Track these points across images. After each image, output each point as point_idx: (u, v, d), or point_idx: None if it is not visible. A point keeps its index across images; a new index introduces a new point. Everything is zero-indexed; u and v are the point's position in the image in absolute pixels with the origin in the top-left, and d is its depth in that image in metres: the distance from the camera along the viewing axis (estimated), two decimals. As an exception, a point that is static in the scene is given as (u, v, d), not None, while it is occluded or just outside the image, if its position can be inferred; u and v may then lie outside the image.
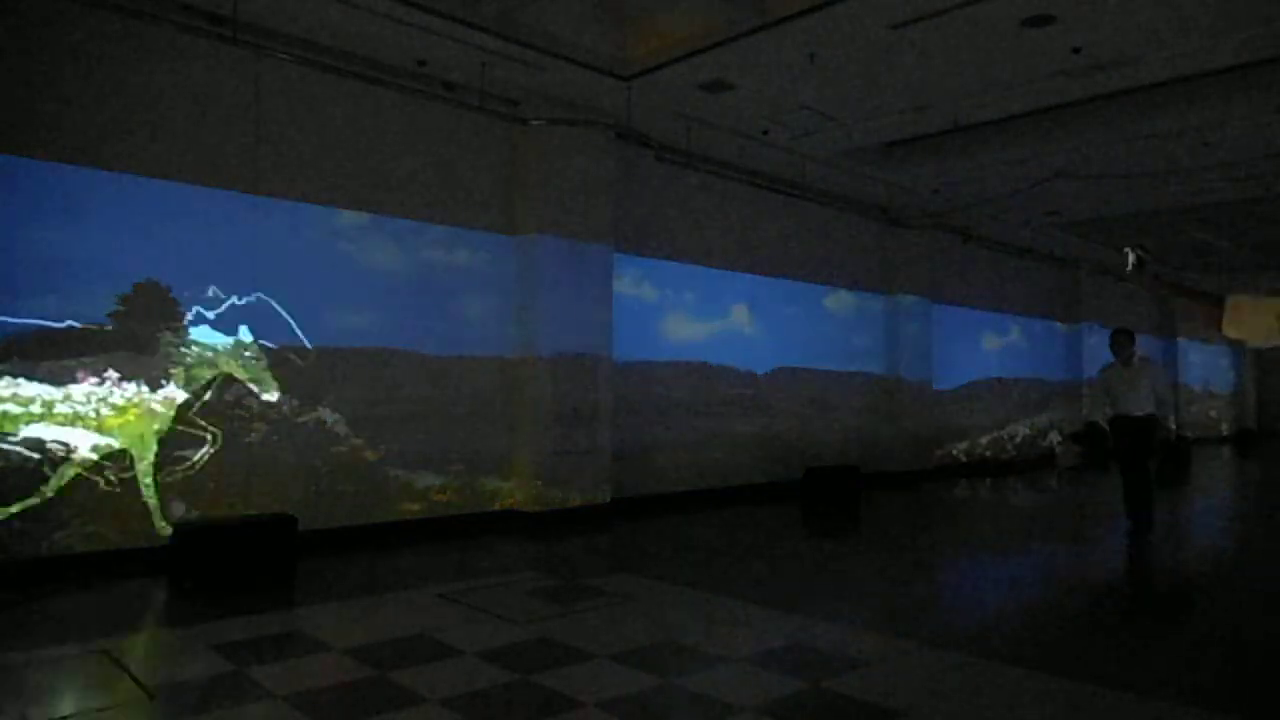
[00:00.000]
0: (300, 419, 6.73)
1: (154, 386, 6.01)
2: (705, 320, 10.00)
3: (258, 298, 6.55)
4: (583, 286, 8.25)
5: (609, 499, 8.44)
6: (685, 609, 5.12)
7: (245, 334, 6.46)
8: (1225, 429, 24.43)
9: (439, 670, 3.88)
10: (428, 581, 5.73)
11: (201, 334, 6.26)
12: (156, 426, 5.98)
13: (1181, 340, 21.49)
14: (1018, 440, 15.57)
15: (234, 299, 6.43)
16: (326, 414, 6.88)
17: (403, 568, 6.22)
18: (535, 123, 7.96)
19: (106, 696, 3.47)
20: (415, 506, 7.35)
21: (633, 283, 9.14)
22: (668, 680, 3.79)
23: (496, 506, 7.91)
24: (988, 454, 14.66)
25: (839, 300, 11.96)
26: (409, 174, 7.44)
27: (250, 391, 6.46)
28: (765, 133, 9.19)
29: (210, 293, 6.32)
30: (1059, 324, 17.04)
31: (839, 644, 4.39)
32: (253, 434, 6.47)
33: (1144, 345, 20.25)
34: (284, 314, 6.67)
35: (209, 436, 6.21)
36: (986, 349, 15.00)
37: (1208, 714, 3.43)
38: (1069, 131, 8.97)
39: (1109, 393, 7.83)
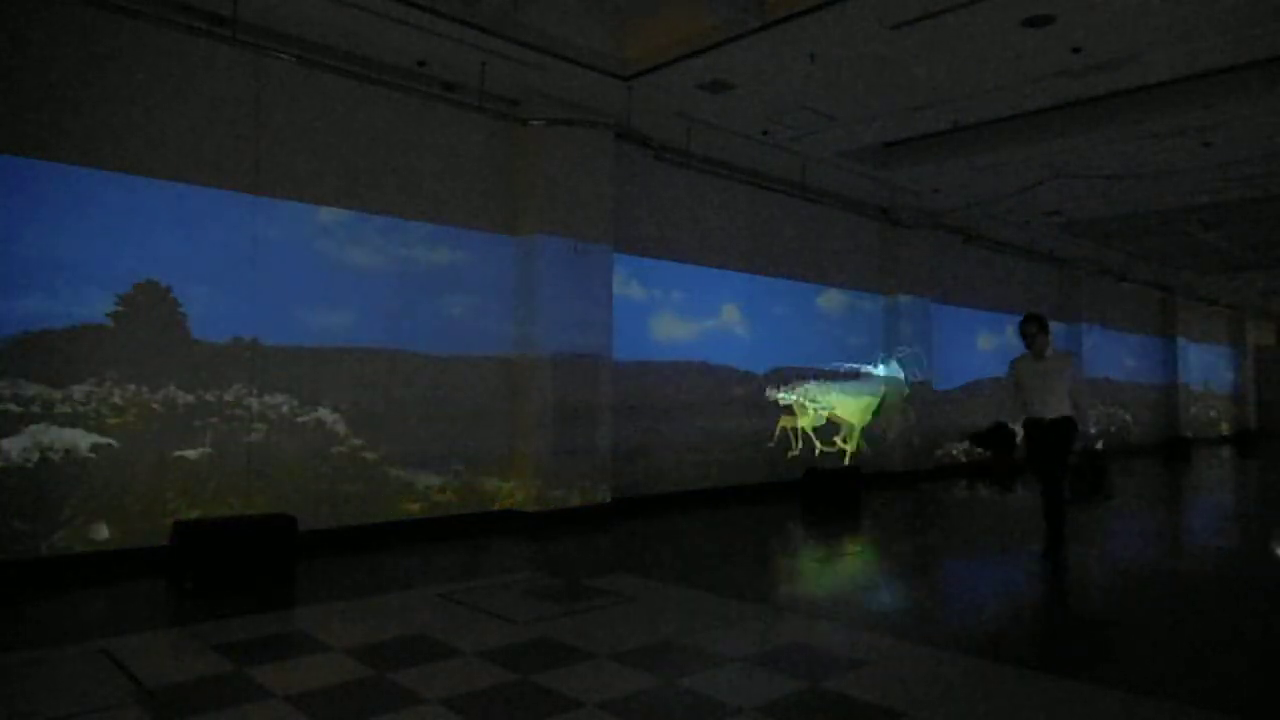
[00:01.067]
0: (300, 419, 6.73)
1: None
2: (704, 320, 10.00)
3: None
4: (582, 286, 8.25)
5: (609, 499, 8.44)
6: (685, 609, 5.12)
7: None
8: (1225, 429, 24.45)
9: (439, 670, 3.88)
10: (428, 581, 5.73)
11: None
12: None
13: (1181, 340, 21.51)
14: (1017, 440, 15.55)
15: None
16: (326, 414, 6.88)
17: (403, 568, 6.22)
18: (535, 123, 7.96)
19: (106, 696, 3.47)
20: (415, 506, 7.35)
21: (632, 283, 9.13)
22: (668, 680, 3.79)
23: (496, 506, 7.91)
24: (988, 454, 14.63)
25: (839, 300, 11.96)
26: (409, 174, 7.44)
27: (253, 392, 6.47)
28: (765, 133, 9.19)
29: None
30: (1059, 324, 17.05)
31: (839, 644, 4.39)
32: (252, 434, 6.47)
33: (1144, 345, 20.55)
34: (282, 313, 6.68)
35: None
36: (986, 349, 15.00)
37: (1208, 714, 3.43)
38: (1069, 131, 8.98)
39: (1019, 390, 6.66)
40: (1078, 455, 6.69)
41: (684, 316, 9.78)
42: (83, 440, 5.68)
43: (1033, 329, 6.60)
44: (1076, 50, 7.02)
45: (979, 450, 9.52)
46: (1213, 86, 7.93)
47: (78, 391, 5.70)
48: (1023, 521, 9.21)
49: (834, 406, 11.68)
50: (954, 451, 13.86)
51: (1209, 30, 6.69)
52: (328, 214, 6.96)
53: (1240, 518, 9.70)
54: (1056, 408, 6.41)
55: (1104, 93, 8.23)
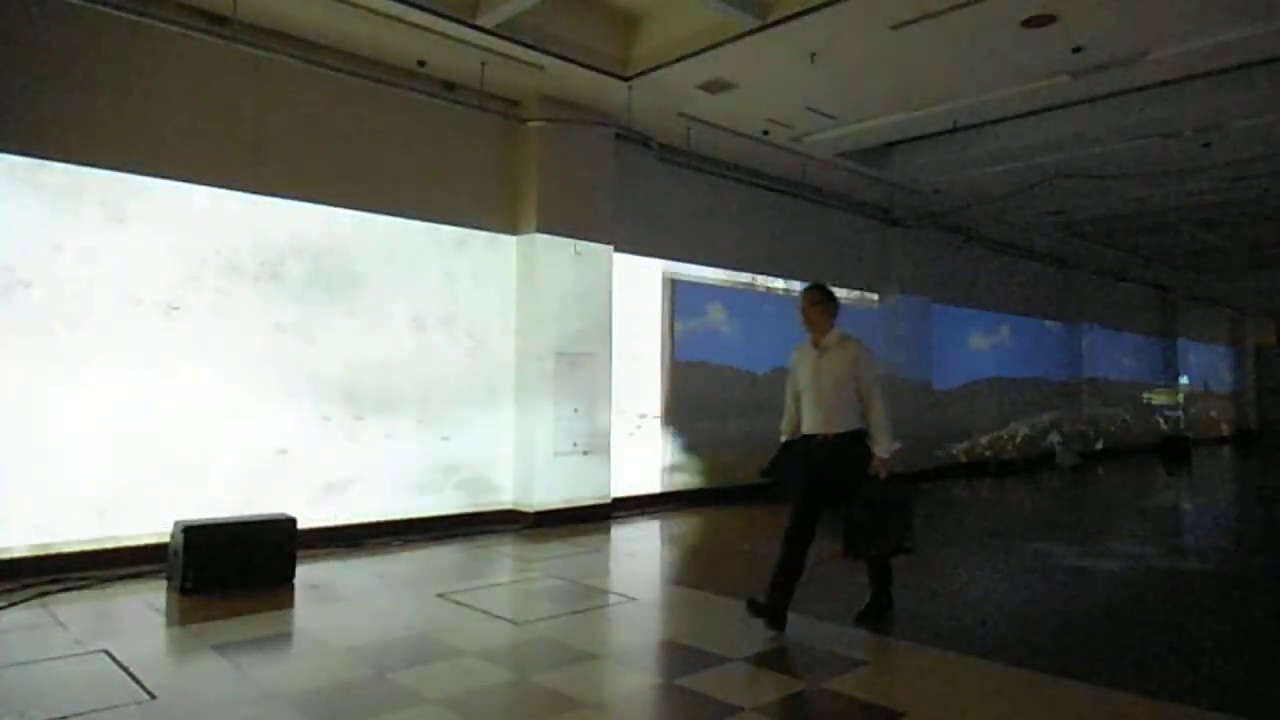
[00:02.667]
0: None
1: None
2: (702, 320, 10.00)
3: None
4: (583, 286, 8.25)
5: (610, 498, 8.44)
6: (685, 608, 5.12)
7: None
8: (1225, 429, 24.46)
9: (439, 670, 3.88)
10: (428, 581, 5.73)
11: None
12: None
13: (1181, 340, 21.51)
14: (1017, 440, 15.58)
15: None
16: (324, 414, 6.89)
17: (403, 568, 6.21)
18: (535, 123, 7.96)
19: (106, 696, 3.47)
20: (416, 505, 7.35)
21: (634, 282, 9.13)
22: (668, 680, 3.79)
23: (497, 506, 7.91)
24: (988, 454, 14.66)
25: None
26: (409, 174, 7.44)
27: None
28: (765, 133, 9.19)
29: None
30: (1059, 324, 17.06)
31: (839, 644, 4.39)
32: (253, 434, 6.46)
33: (1145, 345, 20.50)
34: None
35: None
36: (986, 349, 15.01)
37: (1208, 713, 3.43)
38: (1069, 131, 8.98)
39: (793, 393, 4.80)
40: (876, 490, 4.45)
41: (688, 316, 9.77)
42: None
43: (814, 312, 4.68)
44: (1077, 50, 7.02)
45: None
46: (1213, 86, 7.93)
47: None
48: (1018, 522, 9.18)
49: None
50: (954, 451, 13.86)
51: (1209, 30, 6.69)
52: (328, 214, 6.95)
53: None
54: (839, 418, 4.52)
55: (1104, 93, 8.23)
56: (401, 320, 7.36)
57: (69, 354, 5.70)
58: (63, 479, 5.66)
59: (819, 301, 4.68)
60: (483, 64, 7.18)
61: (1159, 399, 20.41)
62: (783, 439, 4.80)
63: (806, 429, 4.64)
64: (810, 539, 4.54)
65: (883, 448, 4.46)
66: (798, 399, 4.73)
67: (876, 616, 4.75)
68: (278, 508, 6.44)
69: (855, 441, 4.55)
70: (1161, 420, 20.48)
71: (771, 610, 4.49)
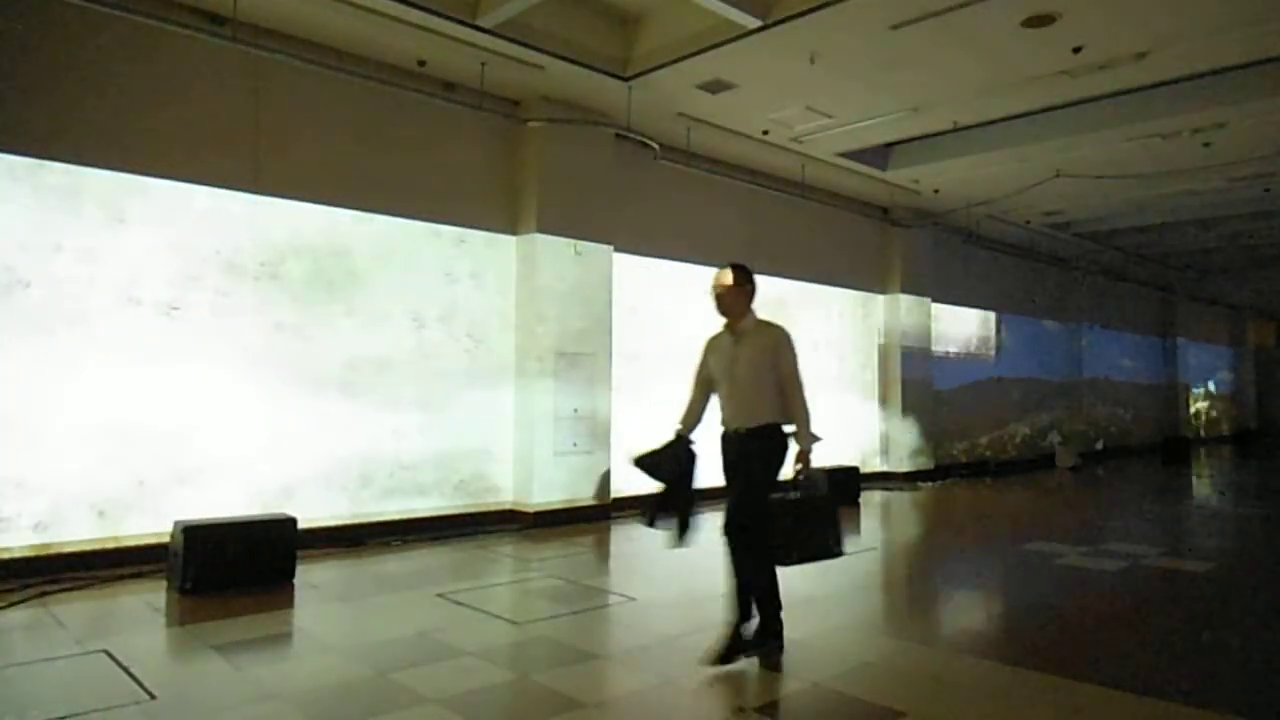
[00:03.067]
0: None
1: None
2: (700, 320, 9.99)
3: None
4: (583, 286, 8.25)
5: (610, 498, 8.44)
6: (685, 608, 5.12)
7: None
8: (1226, 429, 24.47)
9: (439, 670, 3.88)
10: (428, 581, 5.73)
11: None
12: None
13: (1181, 340, 21.52)
14: (1018, 440, 15.59)
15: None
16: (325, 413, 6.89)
17: (403, 568, 6.22)
18: (535, 123, 7.96)
19: (106, 696, 3.47)
20: (417, 505, 7.35)
21: (634, 282, 9.13)
22: (668, 679, 3.79)
23: (497, 506, 7.91)
24: (988, 454, 14.67)
25: (838, 300, 11.95)
26: (409, 174, 7.44)
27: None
28: (765, 133, 9.19)
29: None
30: (1059, 324, 17.07)
31: (839, 643, 4.39)
32: (253, 434, 6.46)
33: (1144, 346, 20.57)
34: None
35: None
36: (986, 348, 15.01)
37: (1208, 714, 3.43)
38: (1069, 131, 8.98)
39: (702, 385, 4.33)
40: (795, 491, 4.00)
41: (687, 316, 9.78)
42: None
43: (726, 297, 4.19)
44: (1077, 50, 7.02)
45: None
46: (1213, 86, 7.93)
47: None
48: (1017, 522, 9.17)
49: None
50: (954, 451, 13.86)
51: (1209, 30, 6.69)
52: (330, 214, 6.95)
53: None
54: (756, 412, 4.06)
55: (1104, 93, 8.23)
56: (401, 320, 7.36)
57: (69, 354, 5.70)
58: (63, 479, 5.66)
59: (735, 283, 4.17)
60: (483, 64, 7.18)
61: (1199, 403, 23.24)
62: (677, 430, 4.23)
63: (722, 424, 4.19)
64: (765, 543, 4.05)
65: (806, 441, 4.01)
66: (703, 391, 4.28)
67: (760, 644, 4.05)
68: (278, 507, 6.45)
69: (771, 437, 4.06)
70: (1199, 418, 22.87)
71: (753, 643, 4.05)
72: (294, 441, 6.67)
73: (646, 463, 4.13)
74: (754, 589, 4.09)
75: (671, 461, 4.12)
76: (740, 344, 4.14)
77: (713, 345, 4.29)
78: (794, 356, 4.10)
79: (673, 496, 4.09)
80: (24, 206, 5.59)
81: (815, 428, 4.06)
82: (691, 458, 4.15)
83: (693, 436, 4.23)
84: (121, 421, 5.88)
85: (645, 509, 4.14)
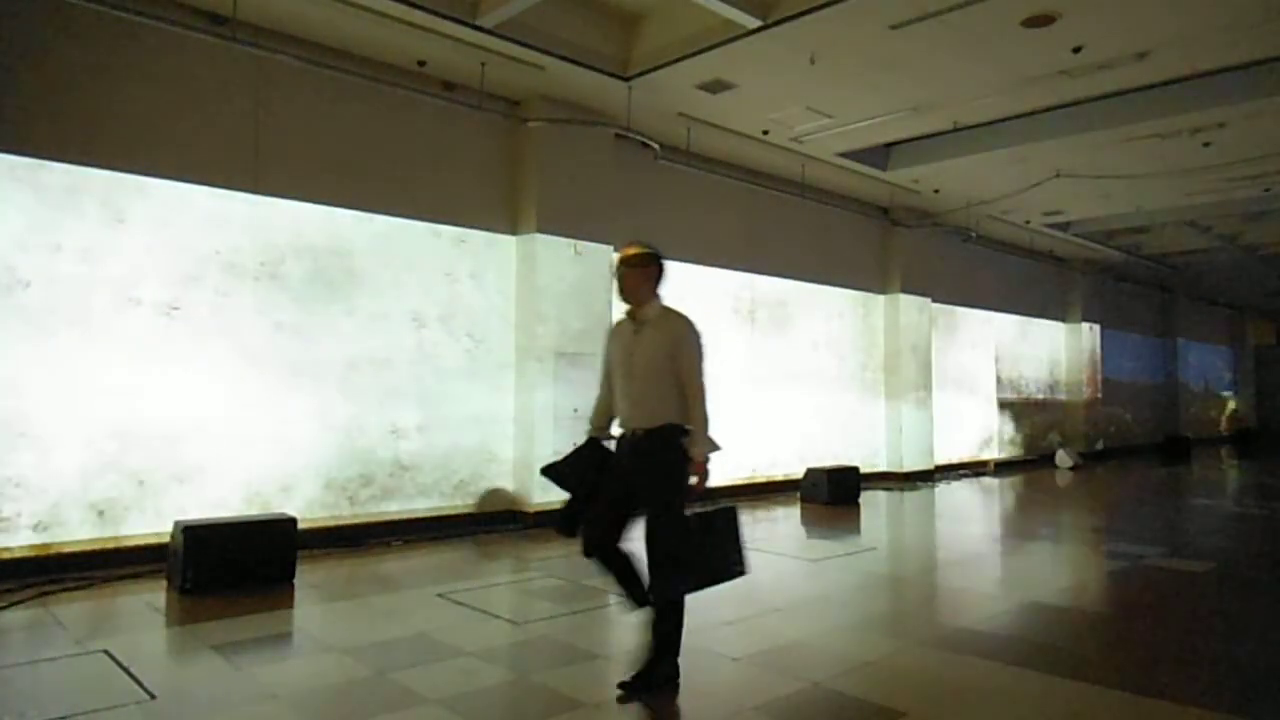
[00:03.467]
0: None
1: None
2: (700, 319, 9.99)
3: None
4: (583, 286, 8.25)
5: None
6: (685, 608, 5.11)
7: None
8: (1225, 429, 24.47)
9: (439, 670, 3.88)
10: (428, 581, 5.73)
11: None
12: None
13: (1181, 340, 21.52)
14: (1018, 440, 15.60)
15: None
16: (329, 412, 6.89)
17: (403, 568, 6.22)
18: (535, 123, 7.96)
19: (106, 696, 3.47)
20: (417, 505, 7.35)
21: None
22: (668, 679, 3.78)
23: (497, 506, 7.91)
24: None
25: (838, 300, 11.96)
26: (409, 174, 7.44)
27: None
28: (765, 133, 9.19)
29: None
30: (1059, 324, 17.07)
31: (839, 643, 4.39)
32: (253, 434, 6.45)
33: (1144, 345, 20.58)
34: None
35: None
36: (986, 348, 15.02)
37: (1208, 714, 3.43)
38: (1069, 131, 8.98)
39: (608, 380, 3.86)
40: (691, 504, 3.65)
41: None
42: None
43: (630, 277, 3.72)
44: (1077, 50, 7.02)
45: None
46: (1213, 86, 7.93)
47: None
48: (1013, 522, 9.16)
49: None
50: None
51: (1210, 30, 6.69)
52: (329, 214, 6.94)
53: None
54: (652, 410, 3.60)
55: (1104, 93, 8.23)
56: (401, 320, 7.36)
57: (69, 354, 5.70)
58: (63, 479, 5.66)
59: (637, 264, 3.70)
60: (483, 64, 7.18)
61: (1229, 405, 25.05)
62: (588, 432, 3.87)
63: (619, 424, 3.75)
64: (616, 555, 3.69)
65: (700, 448, 3.55)
66: (610, 385, 3.80)
67: (647, 686, 3.55)
68: (278, 507, 6.45)
69: (668, 441, 3.56)
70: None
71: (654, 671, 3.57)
72: (294, 441, 6.67)
73: (554, 473, 3.80)
74: (660, 622, 3.59)
75: (580, 470, 3.76)
76: (641, 334, 3.67)
77: (614, 334, 3.83)
78: (697, 352, 3.63)
79: (581, 506, 3.74)
80: (24, 206, 5.59)
81: (731, 436, 3.77)
82: (605, 459, 3.77)
83: (612, 433, 3.85)
84: (121, 421, 5.88)
85: (559, 524, 3.79)
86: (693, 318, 3.71)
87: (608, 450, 3.80)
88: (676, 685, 3.62)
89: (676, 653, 3.63)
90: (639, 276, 3.71)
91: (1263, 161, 10.03)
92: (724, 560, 3.75)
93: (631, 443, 3.64)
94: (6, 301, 5.49)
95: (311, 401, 6.78)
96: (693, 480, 3.57)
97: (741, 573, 3.81)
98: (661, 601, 3.58)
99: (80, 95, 5.81)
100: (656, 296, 3.76)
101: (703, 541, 3.68)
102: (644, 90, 7.80)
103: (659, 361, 3.60)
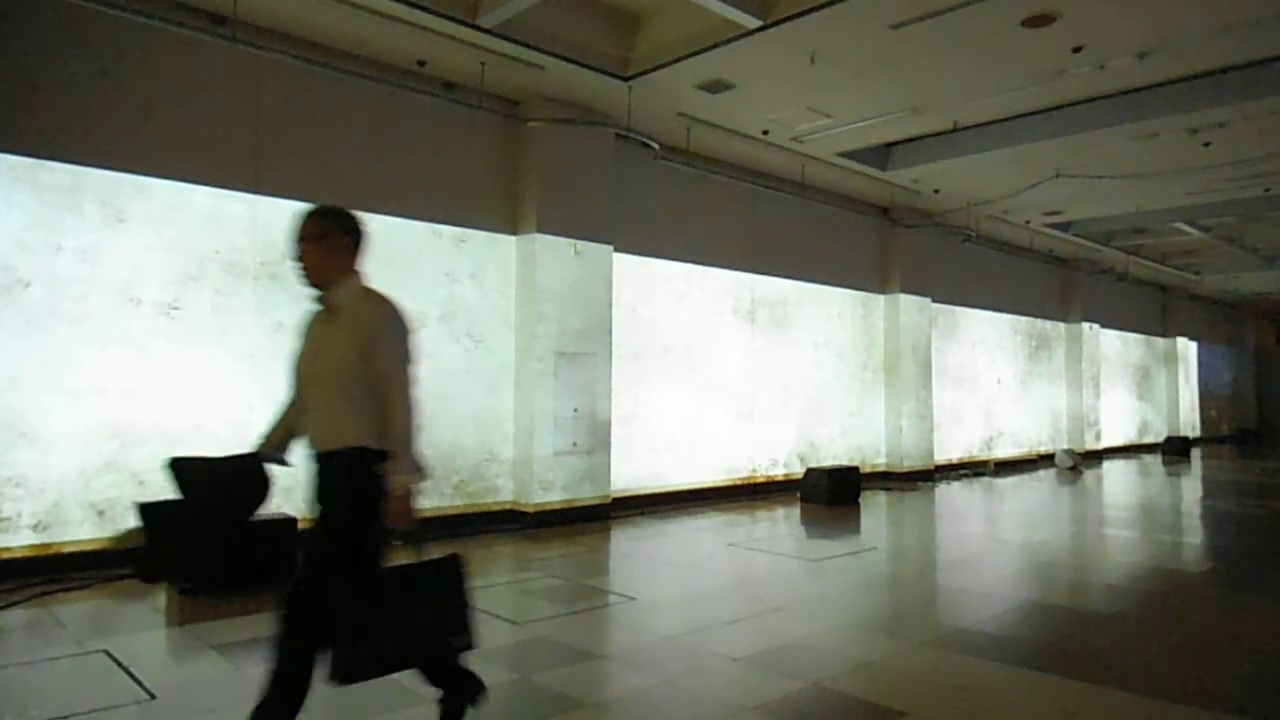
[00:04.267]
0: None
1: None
2: (700, 320, 9.99)
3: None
4: (583, 286, 8.25)
5: (610, 498, 8.44)
6: (685, 608, 5.12)
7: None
8: (1225, 429, 24.47)
9: (439, 670, 3.87)
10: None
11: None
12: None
13: (1181, 340, 21.52)
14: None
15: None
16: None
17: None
18: (535, 123, 7.96)
19: (106, 696, 3.47)
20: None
21: (633, 282, 9.13)
22: (668, 680, 3.79)
23: (497, 506, 7.91)
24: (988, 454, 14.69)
25: (838, 300, 11.96)
26: (409, 174, 7.44)
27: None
28: (765, 133, 9.19)
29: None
30: (1059, 324, 17.07)
31: (839, 643, 4.39)
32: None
33: (1144, 345, 20.63)
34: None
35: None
36: (986, 348, 15.02)
37: (1208, 714, 3.43)
38: (1069, 131, 8.98)
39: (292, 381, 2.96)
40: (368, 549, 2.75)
41: (686, 316, 9.77)
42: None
43: (307, 252, 2.79)
44: (1077, 50, 7.03)
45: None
46: (1213, 86, 7.93)
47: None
48: (1013, 521, 9.16)
49: None
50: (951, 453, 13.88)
51: (1210, 30, 6.69)
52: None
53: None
54: (338, 426, 2.74)
55: (1104, 93, 8.23)
56: (401, 320, 7.35)
57: (69, 353, 5.70)
58: (63, 479, 5.66)
59: (314, 235, 2.78)
60: (483, 64, 7.18)
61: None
62: (258, 445, 2.92)
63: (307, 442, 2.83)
64: (310, 633, 2.75)
65: (403, 475, 2.70)
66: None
67: None
68: (278, 507, 6.43)
69: (353, 468, 2.69)
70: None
71: None
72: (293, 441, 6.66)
73: (176, 474, 2.87)
74: (446, 672, 2.92)
75: (205, 483, 2.87)
76: (332, 324, 2.78)
77: (306, 327, 2.89)
78: (402, 346, 2.75)
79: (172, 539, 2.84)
80: (24, 206, 5.59)
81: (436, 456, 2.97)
82: (249, 482, 2.84)
83: (289, 454, 2.95)
84: (121, 421, 5.88)
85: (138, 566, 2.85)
86: (398, 301, 2.80)
87: (260, 474, 2.88)
88: (476, 695, 3.00)
89: (467, 696, 2.97)
90: (319, 250, 2.78)
91: (1263, 161, 10.03)
92: (433, 631, 2.81)
93: (316, 470, 2.76)
94: (6, 301, 5.50)
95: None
96: (393, 517, 2.71)
97: (467, 646, 2.90)
98: (337, 683, 2.73)
99: (80, 95, 5.80)
100: (354, 275, 2.82)
101: (402, 604, 2.74)
102: (644, 90, 7.80)
103: (349, 361, 2.69)
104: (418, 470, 2.75)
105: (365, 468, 2.69)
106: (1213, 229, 14.91)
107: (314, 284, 2.80)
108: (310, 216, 2.81)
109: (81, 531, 5.71)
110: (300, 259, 2.79)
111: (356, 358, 2.70)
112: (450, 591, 2.88)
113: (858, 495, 10.08)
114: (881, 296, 12.63)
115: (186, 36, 6.07)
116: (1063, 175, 10.63)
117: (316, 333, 2.84)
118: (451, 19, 6.39)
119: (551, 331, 8.00)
